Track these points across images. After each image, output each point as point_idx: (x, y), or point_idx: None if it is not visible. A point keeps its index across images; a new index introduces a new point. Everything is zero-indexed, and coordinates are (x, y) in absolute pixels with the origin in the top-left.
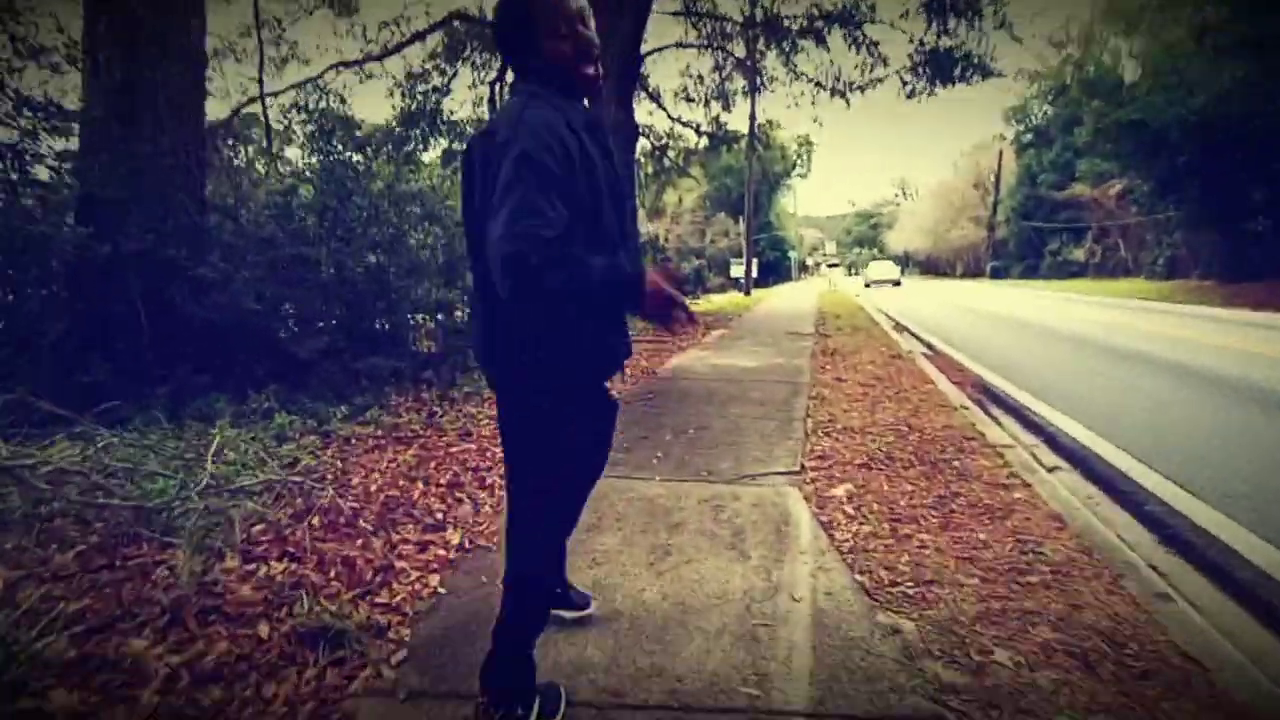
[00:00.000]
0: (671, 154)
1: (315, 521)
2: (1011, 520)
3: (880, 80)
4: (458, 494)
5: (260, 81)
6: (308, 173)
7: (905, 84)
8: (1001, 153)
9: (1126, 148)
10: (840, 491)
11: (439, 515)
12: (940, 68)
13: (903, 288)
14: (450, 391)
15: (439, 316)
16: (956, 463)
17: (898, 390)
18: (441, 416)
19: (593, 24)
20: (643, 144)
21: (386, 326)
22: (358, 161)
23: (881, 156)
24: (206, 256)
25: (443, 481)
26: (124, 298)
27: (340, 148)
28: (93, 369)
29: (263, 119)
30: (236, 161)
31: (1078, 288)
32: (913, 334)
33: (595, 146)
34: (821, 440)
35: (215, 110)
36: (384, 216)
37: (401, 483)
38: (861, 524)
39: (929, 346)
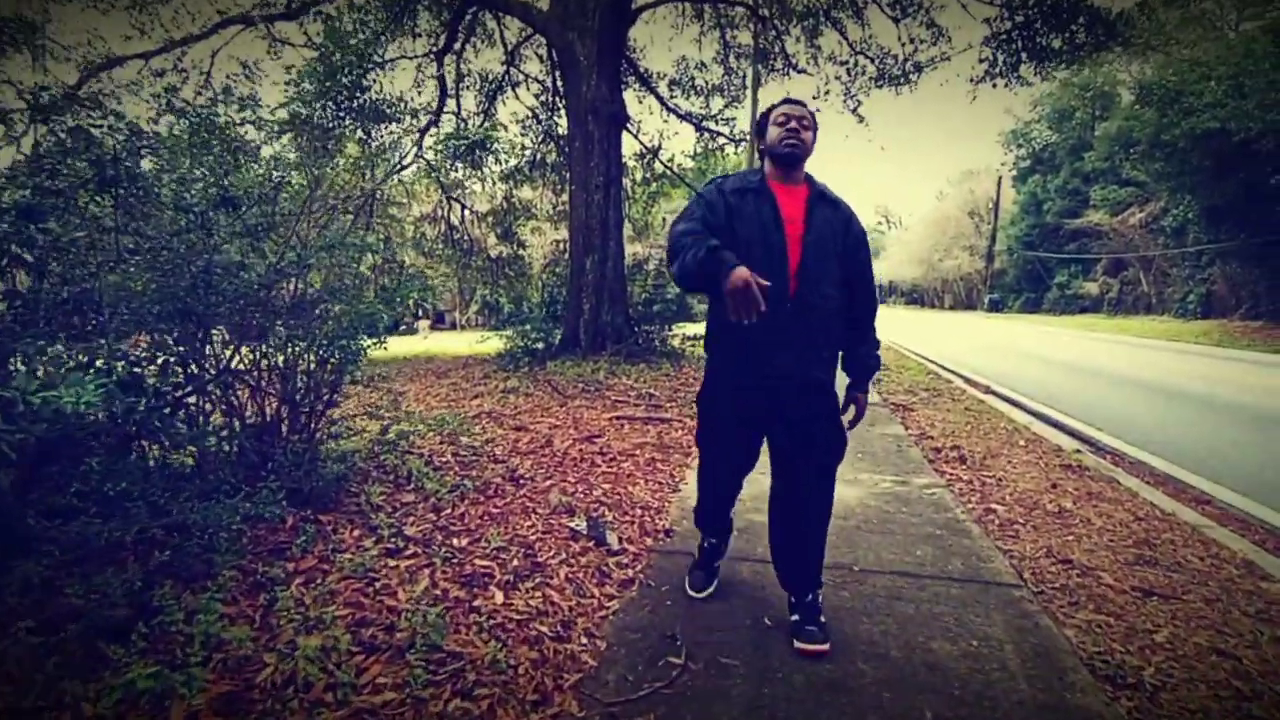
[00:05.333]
0: (664, 156)
1: None
2: None
3: (946, 58)
4: None
5: None
6: None
7: (986, 58)
8: (1001, 179)
9: (1190, 165)
10: None
11: None
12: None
13: (925, 327)
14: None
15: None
16: None
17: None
18: None
19: None
20: (631, 146)
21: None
22: None
23: (872, 179)
24: None
25: None
26: None
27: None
28: None
29: None
30: None
31: (1132, 328)
32: (1012, 400)
33: None
34: None
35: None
36: None
37: None
38: None
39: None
